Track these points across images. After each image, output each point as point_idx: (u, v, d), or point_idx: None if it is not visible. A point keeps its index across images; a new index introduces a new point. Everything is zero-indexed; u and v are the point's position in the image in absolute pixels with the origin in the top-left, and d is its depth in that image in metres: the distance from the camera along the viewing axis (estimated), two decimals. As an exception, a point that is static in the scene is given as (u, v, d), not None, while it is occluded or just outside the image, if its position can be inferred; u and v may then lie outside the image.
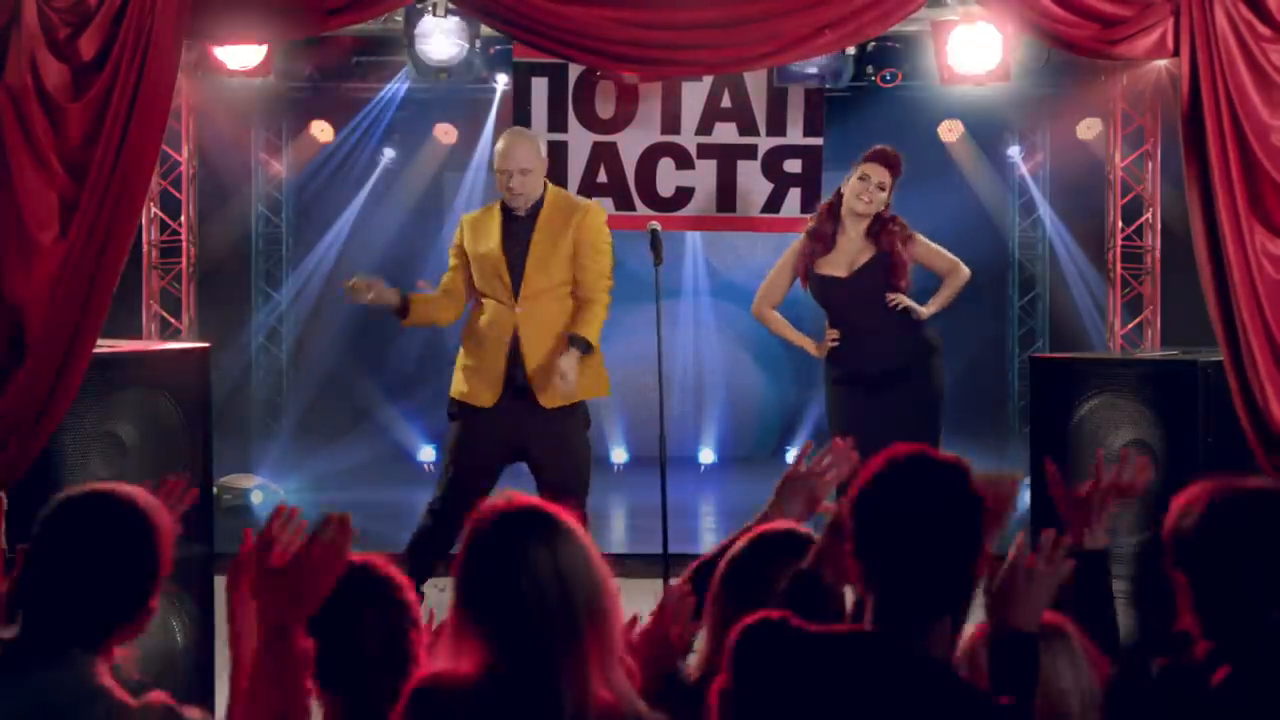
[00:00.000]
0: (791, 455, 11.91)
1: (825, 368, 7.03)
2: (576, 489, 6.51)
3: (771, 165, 8.40)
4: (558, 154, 8.25)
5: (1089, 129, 10.57)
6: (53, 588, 2.74)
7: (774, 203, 8.43)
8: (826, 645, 2.79)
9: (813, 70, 7.75)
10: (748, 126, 8.38)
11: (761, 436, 12.63)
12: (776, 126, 8.37)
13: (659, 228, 6.77)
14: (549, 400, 6.43)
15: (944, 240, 7.12)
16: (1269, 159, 5.46)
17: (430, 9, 6.73)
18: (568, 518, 2.82)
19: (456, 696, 2.70)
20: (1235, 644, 2.75)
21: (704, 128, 8.39)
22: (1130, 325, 9.78)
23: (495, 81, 9.49)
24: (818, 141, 8.36)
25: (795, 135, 8.37)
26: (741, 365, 12.62)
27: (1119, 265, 9.81)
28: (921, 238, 6.93)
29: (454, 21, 7.13)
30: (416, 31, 7.23)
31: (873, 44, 8.20)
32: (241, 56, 7.86)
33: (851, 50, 7.97)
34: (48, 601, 2.74)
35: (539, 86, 8.31)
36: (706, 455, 12.37)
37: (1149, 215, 9.76)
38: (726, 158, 8.40)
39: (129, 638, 2.81)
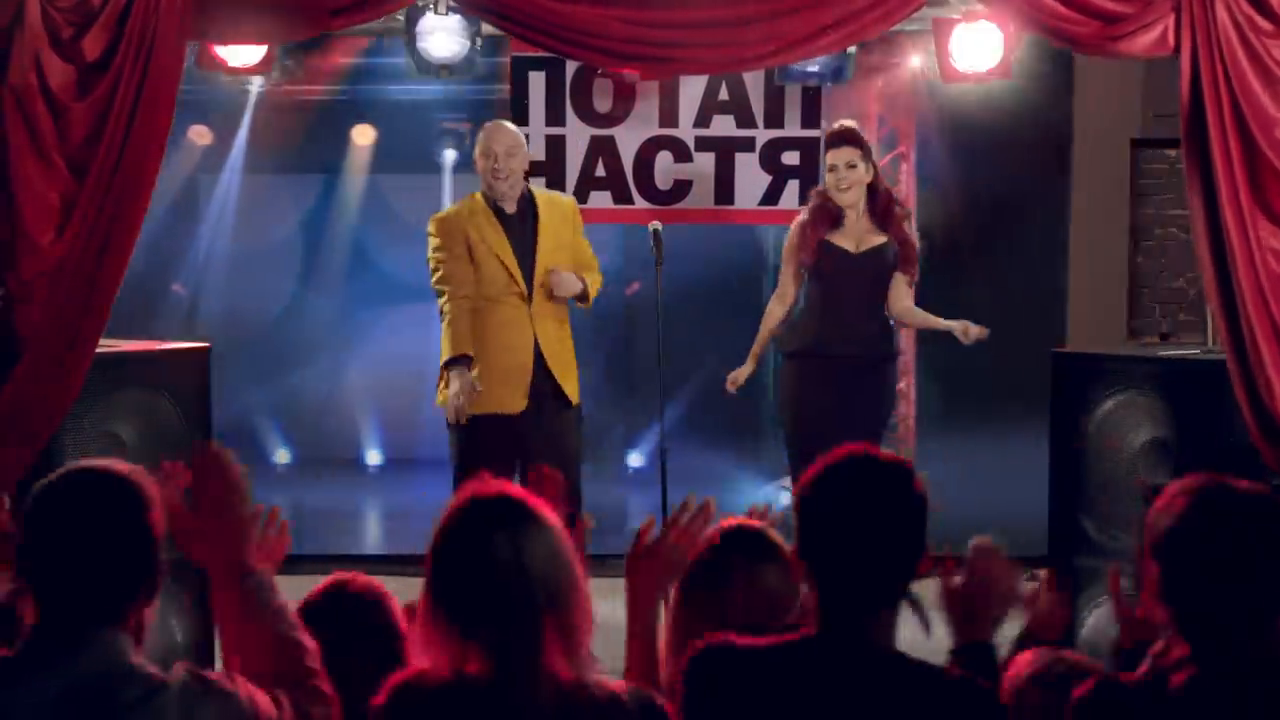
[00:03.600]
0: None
1: (783, 340, 6.96)
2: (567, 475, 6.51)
3: (769, 158, 8.41)
4: (555, 148, 8.28)
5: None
6: (56, 570, 2.75)
7: (772, 195, 8.43)
8: (776, 657, 2.83)
9: (814, 69, 7.73)
10: (745, 119, 8.38)
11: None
12: (774, 119, 8.37)
13: (660, 227, 6.79)
14: (575, 393, 6.55)
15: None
16: (1274, 152, 5.49)
17: (431, 6, 6.73)
18: (533, 503, 2.82)
19: (432, 693, 2.73)
20: (1205, 649, 2.77)
21: (702, 120, 8.39)
22: (890, 325, 9.90)
23: (250, 85, 9.35)
24: (816, 134, 8.36)
25: (793, 128, 8.38)
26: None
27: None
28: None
29: (455, 19, 7.12)
30: (418, 29, 7.22)
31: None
32: (242, 55, 7.75)
33: (852, 48, 7.91)
34: (55, 585, 2.75)
35: (536, 80, 8.30)
36: None
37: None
38: (725, 150, 8.41)
39: (144, 607, 2.81)
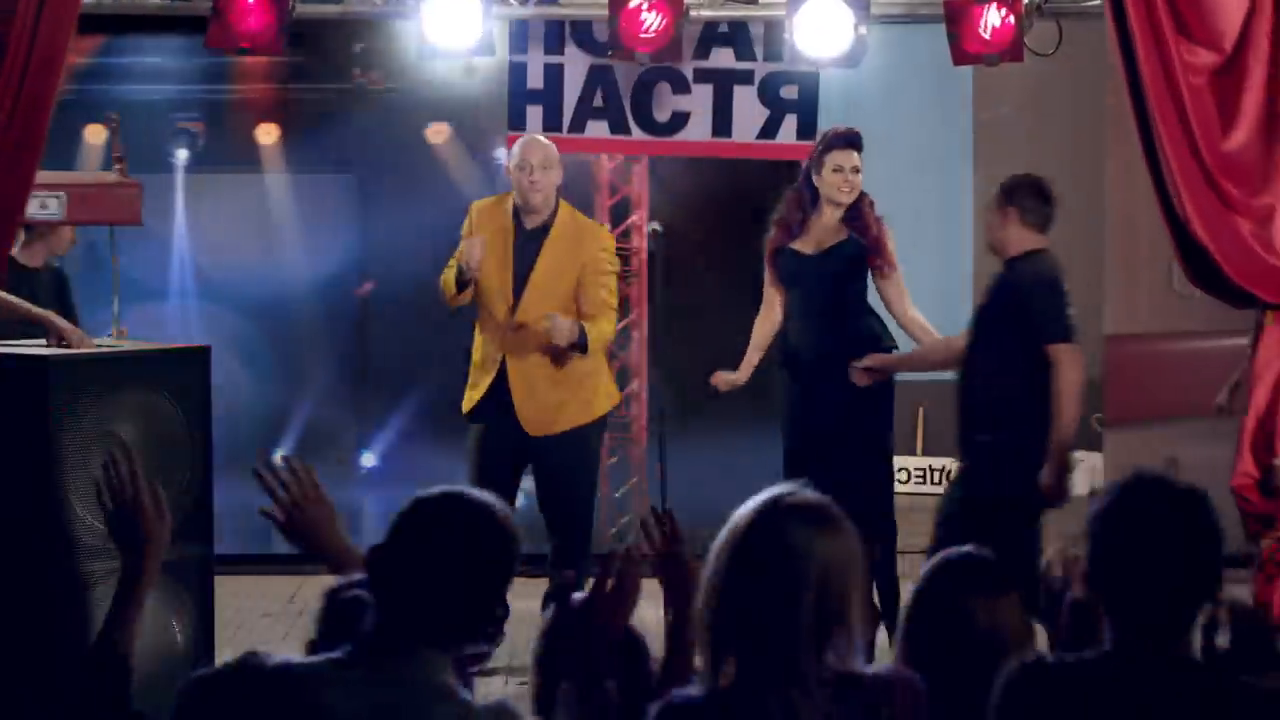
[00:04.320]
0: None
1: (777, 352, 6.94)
2: (573, 526, 6.63)
3: (768, 91, 8.28)
4: (553, 77, 8.23)
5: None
6: (413, 588, 2.77)
7: (770, 129, 8.30)
8: (1085, 671, 2.82)
9: (826, 56, 7.54)
10: (745, 52, 8.28)
11: (249, 438, 11.93)
12: (773, 53, 8.24)
13: (659, 228, 6.77)
14: (535, 429, 6.55)
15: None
16: None
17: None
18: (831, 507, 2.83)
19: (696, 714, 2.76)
20: None
21: (701, 53, 8.29)
22: (620, 325, 9.74)
23: None
24: (813, 68, 8.23)
25: (792, 61, 8.24)
26: (228, 368, 12.09)
27: (608, 268, 9.84)
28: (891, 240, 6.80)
29: (470, 3, 7.07)
30: (423, 12, 7.15)
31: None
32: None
33: (863, 30, 7.65)
34: (407, 601, 2.77)
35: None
36: None
37: (636, 217, 9.78)
38: (723, 83, 8.30)
39: (474, 648, 2.85)
